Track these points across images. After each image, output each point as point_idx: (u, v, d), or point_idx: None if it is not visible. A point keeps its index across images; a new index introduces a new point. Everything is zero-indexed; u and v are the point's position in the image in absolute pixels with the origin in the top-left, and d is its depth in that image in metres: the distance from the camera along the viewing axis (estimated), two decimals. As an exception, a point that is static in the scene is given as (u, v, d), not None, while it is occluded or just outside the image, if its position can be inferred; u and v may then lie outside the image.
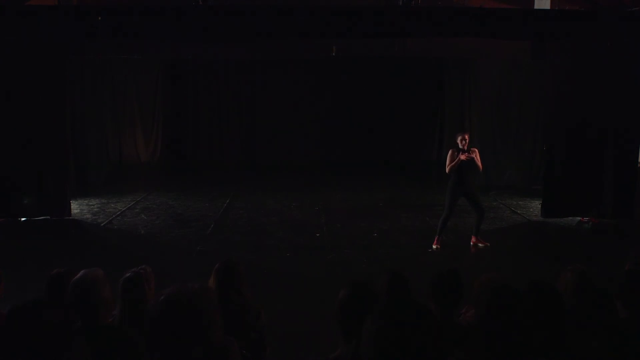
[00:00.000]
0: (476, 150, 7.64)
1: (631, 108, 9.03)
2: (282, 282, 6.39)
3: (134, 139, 15.15)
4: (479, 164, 7.56)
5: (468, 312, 3.34)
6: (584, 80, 9.08)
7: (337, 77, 15.00)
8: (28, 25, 8.44)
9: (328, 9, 8.67)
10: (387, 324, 1.65)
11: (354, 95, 15.07)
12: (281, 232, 8.62)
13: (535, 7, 9.86)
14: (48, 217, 9.04)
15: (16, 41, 8.51)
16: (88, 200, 10.56)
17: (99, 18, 8.22)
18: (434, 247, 7.75)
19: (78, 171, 11.56)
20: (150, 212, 9.88)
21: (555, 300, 2.74)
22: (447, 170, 7.63)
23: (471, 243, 7.87)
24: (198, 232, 8.61)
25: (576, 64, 9.12)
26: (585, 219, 9.33)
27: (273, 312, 4.05)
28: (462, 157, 7.46)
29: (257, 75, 15.12)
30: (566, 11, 9.35)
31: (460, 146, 7.51)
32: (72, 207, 9.34)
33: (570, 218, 9.35)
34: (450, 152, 7.68)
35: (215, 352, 1.93)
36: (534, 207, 10.17)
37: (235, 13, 8.50)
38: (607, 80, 8.96)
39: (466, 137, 7.56)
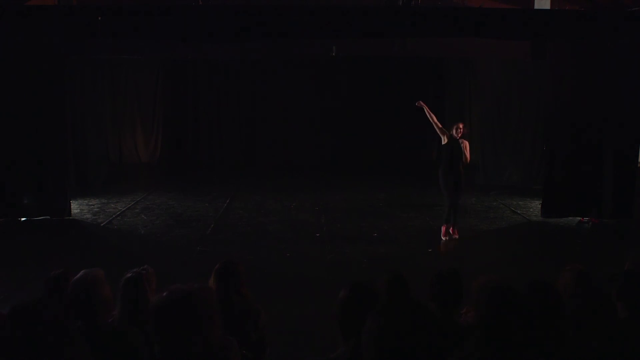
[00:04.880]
0: (466, 142, 7.80)
1: (631, 108, 9.03)
2: (282, 282, 6.39)
3: (134, 139, 15.17)
4: (467, 154, 7.77)
5: (468, 312, 3.33)
6: (584, 80, 9.07)
7: (337, 77, 15.00)
8: (28, 25, 8.44)
9: (328, 9, 8.67)
10: (387, 323, 1.65)
11: (354, 95, 15.06)
12: (281, 232, 8.62)
13: (535, 7, 9.84)
14: (48, 217, 9.03)
15: (16, 41, 8.51)
16: (88, 200, 10.55)
17: (99, 18, 8.22)
18: (443, 238, 7.97)
19: (78, 171, 11.57)
20: (150, 212, 9.88)
21: (555, 300, 2.73)
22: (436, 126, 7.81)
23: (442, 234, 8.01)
24: (198, 232, 8.61)
25: (576, 64, 9.12)
26: (585, 219, 9.32)
27: (273, 312, 4.05)
28: (417, 104, 7.75)
29: (257, 75, 15.11)
30: (566, 11, 9.34)
31: (455, 133, 7.74)
32: (72, 207, 9.34)
33: (570, 218, 9.34)
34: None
35: (215, 352, 1.93)
36: (534, 207, 10.16)
37: (235, 13, 8.51)
38: (606, 80, 8.95)
39: (460, 125, 7.82)
